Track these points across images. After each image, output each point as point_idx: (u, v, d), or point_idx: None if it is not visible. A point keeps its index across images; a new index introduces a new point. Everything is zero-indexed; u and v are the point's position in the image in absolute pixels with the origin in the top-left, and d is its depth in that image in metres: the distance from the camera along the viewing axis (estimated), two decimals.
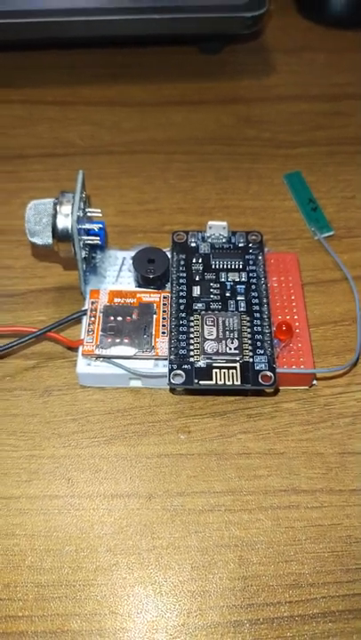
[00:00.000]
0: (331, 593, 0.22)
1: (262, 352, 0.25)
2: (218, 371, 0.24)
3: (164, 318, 0.26)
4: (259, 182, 0.34)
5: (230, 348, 0.25)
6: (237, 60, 0.40)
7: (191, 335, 0.25)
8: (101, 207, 0.28)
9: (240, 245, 0.28)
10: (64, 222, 0.24)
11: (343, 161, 0.35)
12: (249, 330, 0.25)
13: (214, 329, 0.25)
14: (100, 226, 0.26)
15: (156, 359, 0.25)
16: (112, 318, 0.26)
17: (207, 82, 0.39)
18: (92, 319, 0.26)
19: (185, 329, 0.25)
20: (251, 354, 0.25)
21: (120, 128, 0.36)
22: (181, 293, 0.26)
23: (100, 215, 0.27)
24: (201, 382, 0.24)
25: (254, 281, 0.27)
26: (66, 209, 0.24)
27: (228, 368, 0.24)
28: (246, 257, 0.28)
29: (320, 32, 0.42)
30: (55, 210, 0.25)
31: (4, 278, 0.29)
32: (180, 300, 0.26)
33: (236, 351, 0.25)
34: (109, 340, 0.25)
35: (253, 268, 0.27)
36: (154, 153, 0.35)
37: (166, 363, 0.25)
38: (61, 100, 0.37)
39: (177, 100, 0.38)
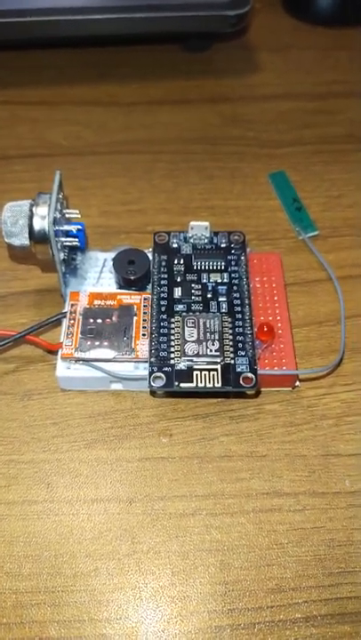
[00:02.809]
0: (313, 597, 0.22)
1: (244, 354, 0.24)
2: (199, 373, 0.24)
3: (144, 320, 0.25)
4: (243, 182, 0.33)
5: (211, 350, 0.24)
6: (223, 59, 0.40)
7: (172, 337, 0.25)
8: (84, 208, 0.27)
9: (222, 246, 0.28)
10: (40, 224, 0.24)
11: (329, 160, 0.35)
12: (230, 331, 0.25)
13: (195, 330, 0.25)
14: (80, 227, 0.26)
15: (137, 362, 0.25)
16: (92, 320, 0.25)
17: (192, 81, 0.38)
18: (72, 322, 0.25)
19: (166, 331, 0.25)
20: (232, 355, 0.24)
21: (105, 128, 0.36)
22: (162, 295, 0.26)
23: (79, 216, 0.26)
24: (182, 385, 0.24)
25: (236, 282, 0.27)
26: (42, 210, 0.24)
27: (209, 370, 0.24)
28: (228, 257, 0.27)
29: (306, 30, 0.42)
30: (31, 211, 0.24)
31: None
32: (161, 302, 0.26)
33: (217, 353, 0.24)
34: (89, 343, 0.25)
35: (236, 268, 0.27)
36: (139, 153, 0.35)
37: (147, 365, 0.24)
38: (45, 101, 0.37)
39: (162, 99, 0.37)
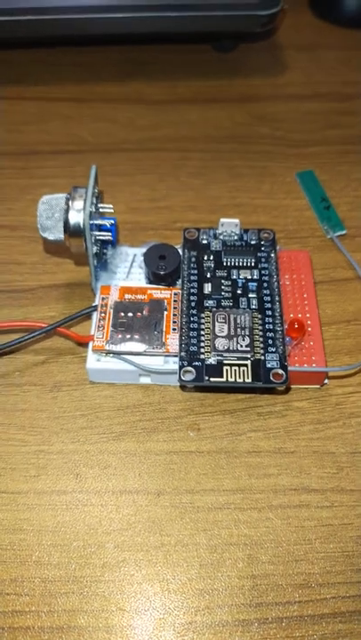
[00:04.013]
0: (341, 593, 0.22)
1: (274, 350, 0.25)
2: (229, 368, 0.24)
3: (174, 315, 0.26)
4: (271, 181, 0.34)
5: (241, 346, 0.24)
6: (251, 59, 0.40)
7: (202, 332, 0.25)
8: (113, 204, 0.27)
9: (252, 243, 0.28)
10: (76, 217, 0.24)
11: (356, 160, 0.35)
12: (260, 327, 0.25)
13: (225, 326, 0.25)
14: (112, 222, 0.26)
15: (167, 356, 0.25)
16: (122, 314, 0.25)
17: (221, 80, 0.39)
18: (103, 315, 0.25)
19: (196, 326, 0.25)
20: (262, 351, 0.24)
21: (134, 125, 0.36)
22: (192, 290, 0.26)
23: (112, 211, 0.27)
24: (212, 379, 0.24)
25: (266, 279, 0.27)
26: (78, 204, 0.24)
27: (239, 365, 0.24)
28: (258, 254, 0.27)
29: (333, 31, 0.42)
30: (67, 205, 0.25)
31: (15, 274, 0.29)
32: (191, 297, 0.26)
33: (248, 348, 0.24)
34: (120, 336, 0.25)
35: (265, 265, 0.27)
36: (167, 150, 0.35)
37: (177, 359, 0.24)
38: (75, 97, 0.37)
39: (191, 97, 0.38)
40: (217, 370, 0.24)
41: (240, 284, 0.26)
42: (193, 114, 0.37)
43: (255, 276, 0.27)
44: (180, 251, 0.28)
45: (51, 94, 0.37)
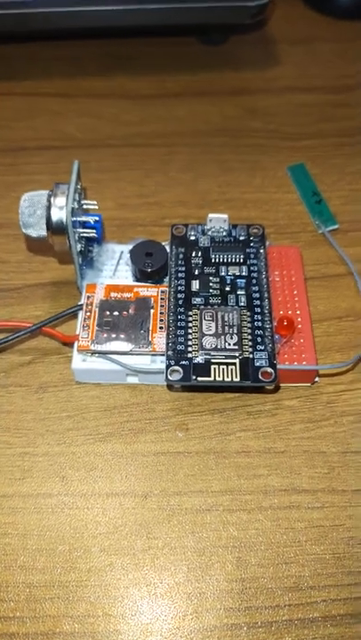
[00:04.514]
0: (332, 596, 0.21)
1: (263, 348, 0.24)
2: (216, 367, 0.24)
3: (161, 313, 0.25)
4: (262, 175, 0.33)
5: (229, 344, 0.24)
6: (242, 51, 0.40)
7: (189, 330, 0.25)
8: (100, 200, 0.27)
9: (241, 239, 0.27)
10: (58, 214, 0.24)
11: (351, 153, 0.34)
12: (249, 325, 0.25)
13: (213, 324, 0.24)
14: (97, 218, 0.26)
15: (153, 355, 0.24)
16: (108, 313, 0.25)
17: (210, 73, 0.38)
18: (88, 314, 0.25)
19: (183, 324, 0.25)
20: (251, 349, 0.24)
21: (121, 121, 0.36)
22: (180, 288, 0.26)
23: (97, 207, 0.26)
24: (199, 379, 0.23)
25: (255, 275, 0.26)
26: (60, 201, 0.24)
27: (227, 364, 0.24)
28: (247, 250, 0.27)
29: (325, 22, 0.41)
30: (49, 201, 0.24)
31: (0, 272, 0.29)
32: (179, 295, 0.26)
33: (236, 347, 0.24)
34: (105, 336, 0.24)
35: (254, 261, 0.27)
36: (155, 146, 0.34)
37: (164, 358, 0.24)
38: (62, 92, 0.37)
39: (179, 92, 0.37)
40: (205, 369, 0.24)
41: (228, 281, 0.26)
42: (181, 108, 0.36)
43: (244, 273, 0.26)
44: (168, 247, 0.27)
45: (36, 89, 0.37)
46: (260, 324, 0.25)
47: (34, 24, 0.34)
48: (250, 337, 0.24)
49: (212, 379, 0.23)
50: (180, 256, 0.27)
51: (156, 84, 0.37)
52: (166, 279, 0.26)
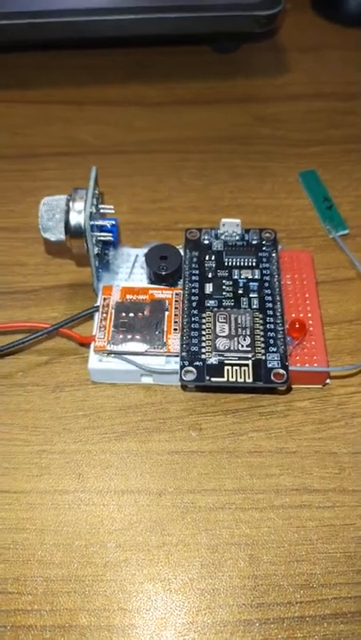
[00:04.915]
0: (342, 594, 0.22)
1: (275, 349, 0.25)
2: (230, 368, 0.24)
3: (175, 315, 0.26)
4: (273, 181, 0.34)
5: (242, 345, 0.24)
6: (252, 59, 0.40)
7: (203, 332, 0.25)
8: (114, 205, 0.28)
9: (253, 243, 0.28)
10: (76, 218, 0.24)
11: (359, 159, 0.35)
12: (261, 327, 0.25)
13: (226, 326, 0.25)
14: (113, 222, 0.26)
15: (168, 356, 0.25)
16: (124, 314, 0.25)
17: (221, 81, 0.39)
18: (104, 315, 0.26)
19: (197, 326, 0.25)
20: (263, 351, 0.24)
21: (134, 127, 0.36)
22: (194, 290, 0.26)
23: (113, 212, 0.27)
24: (212, 379, 0.24)
25: (267, 278, 0.27)
26: (78, 205, 0.24)
27: (240, 365, 0.24)
28: (260, 254, 0.28)
29: (335, 30, 0.42)
30: (68, 206, 0.25)
31: (18, 275, 0.30)
32: (193, 297, 0.26)
33: (249, 348, 0.24)
34: (121, 337, 0.25)
35: (267, 265, 0.27)
36: (167, 152, 0.35)
37: (178, 359, 0.24)
38: (76, 100, 0.38)
39: (191, 99, 0.38)
40: (218, 370, 0.24)
41: (241, 284, 0.27)
42: (193, 115, 0.37)
43: (256, 276, 0.27)
44: (182, 251, 0.28)
45: (50, 97, 0.38)
46: (272, 326, 0.25)
47: (49, 34, 0.35)
48: (262, 339, 0.25)
49: (225, 379, 0.24)
50: (194, 259, 0.27)
51: (168, 92, 0.38)
52: (180, 282, 0.27)
